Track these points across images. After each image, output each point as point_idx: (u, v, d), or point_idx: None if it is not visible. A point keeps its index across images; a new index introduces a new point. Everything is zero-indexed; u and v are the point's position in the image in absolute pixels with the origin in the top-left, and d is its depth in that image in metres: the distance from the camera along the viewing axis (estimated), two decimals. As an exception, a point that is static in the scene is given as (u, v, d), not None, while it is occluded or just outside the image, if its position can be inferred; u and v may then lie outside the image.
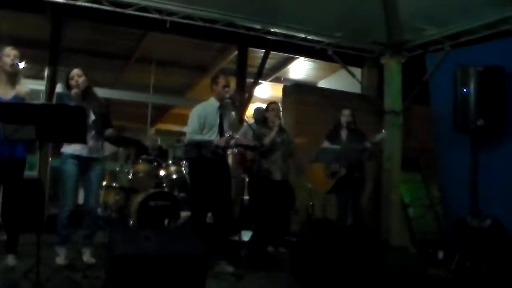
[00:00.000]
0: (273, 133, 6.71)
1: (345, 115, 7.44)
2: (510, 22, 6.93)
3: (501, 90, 6.58)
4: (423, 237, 8.95)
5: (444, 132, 7.54)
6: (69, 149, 5.39)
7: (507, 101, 6.61)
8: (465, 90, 6.63)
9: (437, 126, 7.96)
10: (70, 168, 5.42)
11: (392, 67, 8.73)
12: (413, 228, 9.51)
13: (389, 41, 8.50)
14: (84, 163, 5.45)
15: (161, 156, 8.39)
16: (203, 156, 5.86)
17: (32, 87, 5.69)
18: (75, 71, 5.46)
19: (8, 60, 5.14)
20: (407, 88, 8.66)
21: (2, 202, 5.41)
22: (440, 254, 7.24)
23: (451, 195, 7.63)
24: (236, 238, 6.82)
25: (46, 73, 9.08)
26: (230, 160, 7.93)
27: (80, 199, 5.91)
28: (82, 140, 4.66)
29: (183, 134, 10.66)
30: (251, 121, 7.52)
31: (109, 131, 5.55)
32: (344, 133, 7.43)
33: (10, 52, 5.17)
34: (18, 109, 4.42)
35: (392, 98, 8.71)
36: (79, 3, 7.24)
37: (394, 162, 8.64)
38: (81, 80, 5.43)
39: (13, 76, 5.20)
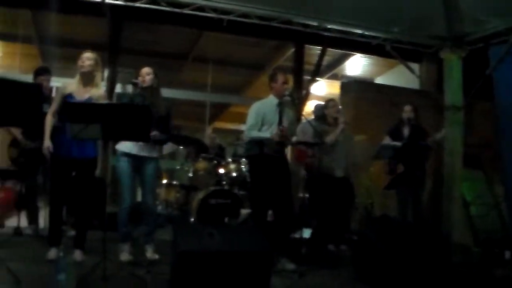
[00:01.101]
0: (338, 131, 6.67)
1: (407, 111, 7.33)
2: None
3: None
4: (487, 236, 8.73)
5: (508, 128, 7.34)
6: (122, 146, 5.48)
7: None
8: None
9: (501, 122, 7.76)
10: (123, 165, 5.50)
11: (453, 61, 8.51)
12: (476, 226, 9.29)
13: (449, 34, 8.28)
14: (136, 161, 5.51)
15: (220, 154, 8.45)
16: (264, 154, 5.85)
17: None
18: (145, 69, 5.55)
19: (79, 63, 5.28)
20: (468, 83, 8.44)
21: (71, 200, 5.53)
22: (507, 254, 7.05)
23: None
24: (297, 235, 6.80)
25: (105, 74, 9.24)
26: (288, 156, 7.94)
27: (139, 197, 6.00)
28: (146, 139, 4.71)
29: (241, 132, 10.72)
30: (310, 118, 7.48)
31: (155, 134, 5.55)
32: (406, 130, 7.32)
33: (83, 56, 5.32)
34: (84, 109, 4.51)
35: (453, 94, 8.49)
36: (137, 4, 7.35)
37: (455, 159, 8.43)
38: (148, 78, 5.51)
39: (87, 78, 5.32)
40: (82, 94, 5.28)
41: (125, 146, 5.45)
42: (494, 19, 7.63)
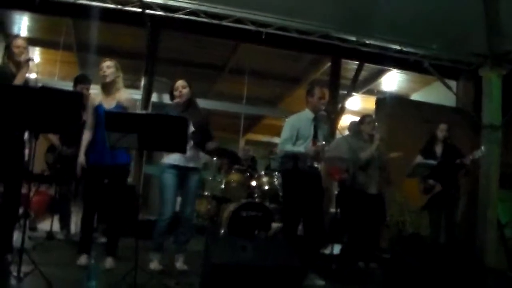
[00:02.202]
0: (373, 148, 6.63)
1: (442, 130, 7.25)
2: None
3: None
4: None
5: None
6: (169, 159, 5.50)
7: None
8: None
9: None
10: (169, 178, 5.51)
11: (492, 79, 8.40)
12: (510, 249, 9.11)
13: (489, 52, 8.19)
14: (182, 173, 5.53)
15: (252, 167, 8.46)
16: (298, 168, 5.83)
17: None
18: (180, 82, 5.59)
19: (100, 73, 5.39)
20: (507, 102, 8.31)
21: (103, 207, 5.59)
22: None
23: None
24: (327, 251, 6.75)
25: (142, 82, 9.33)
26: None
27: (177, 207, 6.02)
28: (182, 150, 4.73)
29: (273, 145, 10.69)
30: (344, 133, 7.45)
31: (211, 144, 5.59)
32: (439, 148, 7.24)
33: (102, 65, 5.43)
34: (122, 118, 4.55)
35: (491, 112, 8.38)
36: (177, 15, 7.43)
37: (491, 179, 8.32)
38: (185, 91, 5.55)
39: (111, 86, 5.42)
40: (109, 102, 5.38)
41: (172, 158, 5.48)
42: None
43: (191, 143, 5.41)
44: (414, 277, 5.10)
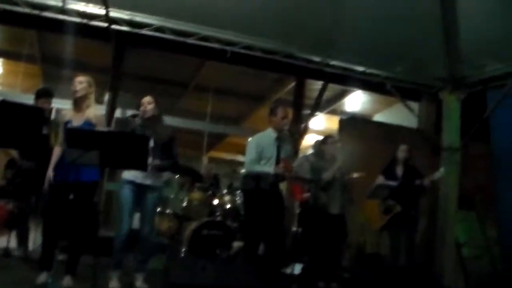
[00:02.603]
0: (335, 168, 6.68)
1: (402, 151, 7.35)
2: None
3: None
4: (478, 280, 8.69)
5: (504, 171, 7.38)
6: (127, 175, 5.47)
7: None
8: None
9: (497, 165, 7.79)
10: (127, 193, 5.48)
11: (451, 103, 8.58)
12: (468, 269, 9.25)
13: (449, 76, 8.37)
14: (140, 189, 5.51)
15: (215, 185, 8.43)
16: (260, 188, 5.86)
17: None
18: (146, 98, 5.59)
19: (72, 88, 5.33)
20: (466, 125, 8.48)
21: (66, 223, 5.49)
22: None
23: (510, 237, 7.41)
24: (288, 271, 6.75)
25: (106, 97, 9.26)
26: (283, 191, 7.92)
27: (136, 224, 5.96)
28: (143, 168, 4.70)
29: (236, 163, 10.70)
30: (307, 153, 7.50)
31: (158, 162, 5.54)
32: (400, 169, 7.33)
33: (75, 80, 5.35)
34: (84, 135, 4.50)
35: (450, 135, 8.54)
36: (143, 31, 7.41)
37: (450, 200, 8.46)
38: (150, 107, 5.54)
39: (81, 101, 5.34)
40: (78, 118, 5.30)
41: (130, 174, 5.45)
42: (493, 63, 7.72)
43: (149, 160, 5.38)
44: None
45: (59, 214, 5.26)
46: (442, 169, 7.37)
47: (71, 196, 5.27)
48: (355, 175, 7.20)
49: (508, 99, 7.50)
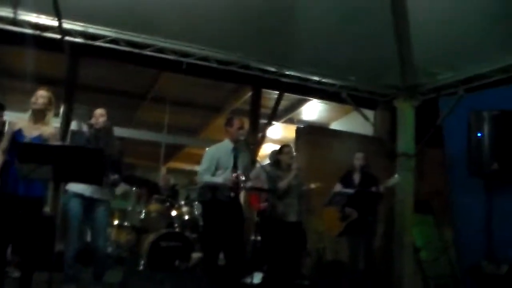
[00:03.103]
0: (290, 177, 6.73)
1: (358, 159, 7.45)
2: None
3: (515, 135, 6.60)
4: (436, 282, 8.84)
5: (458, 176, 7.53)
6: (74, 187, 5.42)
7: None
8: (479, 134, 6.65)
9: (451, 170, 7.95)
10: (74, 206, 5.46)
11: (406, 110, 8.71)
12: (426, 272, 9.40)
13: (403, 84, 8.51)
14: (87, 203, 5.46)
15: (173, 196, 8.39)
16: (217, 199, 5.87)
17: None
18: (98, 111, 5.58)
19: (32, 99, 5.22)
20: (421, 131, 8.63)
21: (17, 240, 5.38)
22: (454, 301, 7.14)
23: (466, 239, 7.57)
24: (248, 280, 6.76)
25: (61, 110, 9.14)
26: (242, 201, 7.94)
27: (89, 237, 5.91)
28: (98, 182, 4.66)
29: (194, 174, 10.65)
30: (264, 162, 7.54)
31: (113, 178, 5.51)
32: (357, 177, 7.43)
33: (37, 93, 5.26)
34: (36, 149, 4.44)
35: (405, 141, 8.67)
36: (97, 43, 7.35)
37: (406, 205, 8.56)
38: (102, 120, 5.51)
39: (38, 115, 5.23)
40: (31, 131, 5.16)
41: (77, 187, 5.40)
42: (445, 71, 7.89)
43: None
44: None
45: (7, 228, 5.10)
46: (396, 176, 7.50)
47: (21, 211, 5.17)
48: (312, 185, 7.27)
49: (460, 106, 7.66)
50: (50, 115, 5.37)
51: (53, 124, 5.48)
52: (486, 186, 6.82)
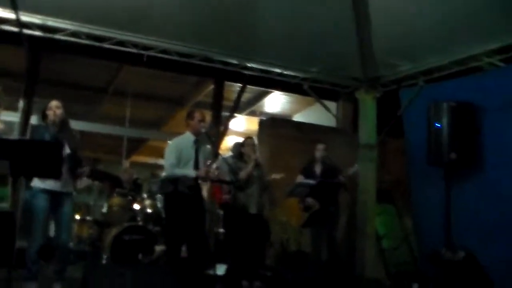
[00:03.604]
0: (249, 168, 6.78)
1: (319, 150, 7.52)
2: (479, 59, 7.06)
3: (472, 125, 6.75)
4: (397, 269, 8.99)
5: (418, 166, 7.64)
6: (40, 183, 5.34)
7: (478, 136, 6.77)
8: (438, 125, 6.76)
9: (411, 160, 8.07)
10: (41, 202, 5.37)
11: (367, 101, 8.82)
12: (388, 260, 9.55)
13: (364, 76, 8.60)
14: (54, 198, 5.39)
15: (135, 190, 8.34)
16: (179, 191, 5.87)
17: (6, 118, 5.65)
18: (54, 103, 5.47)
19: None
20: (382, 122, 8.74)
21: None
22: (415, 287, 7.26)
23: (425, 227, 7.70)
24: (211, 272, 6.78)
25: (20, 104, 9.00)
26: (205, 193, 7.94)
27: (52, 232, 5.84)
28: (56, 176, 4.62)
29: (157, 167, 10.60)
30: (226, 154, 7.56)
31: (83, 170, 5.47)
32: (318, 168, 7.49)
33: None
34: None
35: (367, 132, 8.77)
36: (56, 36, 7.25)
37: (368, 194, 8.67)
38: (59, 112, 5.43)
39: None
40: None
41: (43, 182, 5.31)
42: (405, 63, 7.99)
43: (65, 166, 5.29)
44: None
45: None
46: (356, 165, 7.60)
47: None
48: (275, 175, 7.31)
49: (420, 97, 7.77)
50: None
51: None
52: (445, 176, 6.94)
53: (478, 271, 6.06)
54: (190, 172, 5.95)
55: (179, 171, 5.97)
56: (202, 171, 5.94)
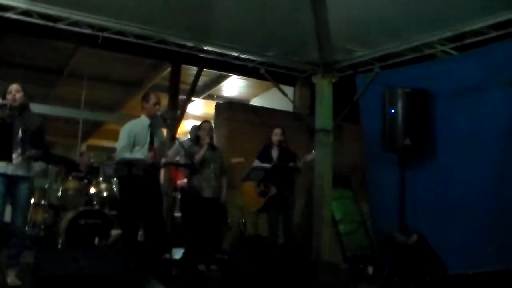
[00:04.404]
0: (202, 151, 6.79)
1: (276, 134, 7.54)
2: (433, 46, 7.18)
3: (426, 111, 6.86)
4: (354, 253, 9.12)
5: (373, 151, 7.74)
6: None
7: (432, 121, 6.90)
8: (392, 110, 6.86)
9: (367, 145, 8.16)
10: None
11: (324, 86, 8.86)
12: (344, 244, 9.68)
13: (320, 61, 8.64)
14: (10, 181, 5.28)
15: (92, 173, 8.24)
16: (133, 174, 5.84)
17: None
18: (14, 86, 5.33)
19: None
20: (339, 107, 8.80)
21: None
22: (370, 270, 7.38)
23: (380, 212, 7.82)
24: (168, 256, 6.78)
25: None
26: (162, 177, 7.92)
27: (7, 217, 5.73)
28: (7, 158, 4.52)
29: (114, 150, 10.51)
30: (184, 138, 7.53)
31: (31, 152, 5.37)
32: (275, 152, 7.51)
33: None
34: None
35: (323, 117, 8.83)
36: (7, 15, 7.05)
37: (325, 179, 8.74)
38: (19, 95, 5.31)
39: None
40: None
41: None
42: (361, 49, 8.06)
43: (19, 150, 5.19)
44: (247, 277, 5.25)
45: None
46: (313, 152, 7.66)
47: None
48: (234, 160, 7.32)
49: (375, 83, 7.86)
50: None
51: None
52: (400, 160, 7.05)
53: (430, 255, 6.20)
54: (138, 156, 5.91)
55: (129, 155, 5.93)
56: (148, 156, 5.89)
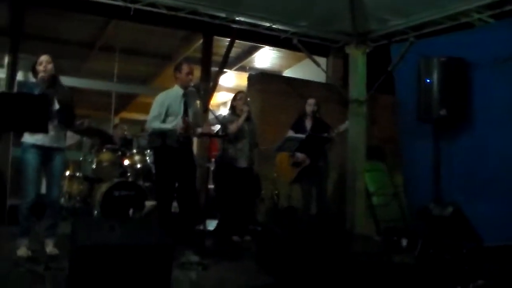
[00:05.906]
0: (241, 120, 6.78)
1: (310, 105, 7.49)
2: (470, 15, 6.99)
3: (463, 81, 6.72)
4: (387, 225, 9.07)
5: (408, 122, 7.63)
6: (30, 138, 5.25)
7: (469, 92, 6.74)
8: (428, 80, 6.73)
9: (401, 116, 8.06)
10: (31, 158, 5.28)
11: (357, 56, 8.73)
12: (378, 216, 9.64)
13: (354, 31, 8.50)
14: (45, 153, 5.33)
15: (126, 145, 8.30)
16: (167, 145, 5.85)
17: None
18: (44, 57, 5.34)
19: None
20: (372, 78, 8.68)
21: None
22: (404, 242, 7.33)
23: (414, 184, 7.73)
24: (201, 227, 6.81)
25: (6, 60, 8.87)
26: (195, 148, 7.93)
27: (43, 189, 5.80)
28: (43, 130, 4.54)
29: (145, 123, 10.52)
30: (217, 110, 7.52)
31: (83, 124, 5.42)
32: (308, 123, 7.47)
33: None
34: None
35: (357, 88, 8.72)
36: (39, -11, 7.08)
37: (358, 151, 8.67)
38: (50, 67, 5.32)
39: None
40: None
41: (35, 138, 5.23)
42: (396, 18, 7.89)
43: (55, 121, 5.23)
44: (283, 248, 5.24)
45: None
46: (347, 122, 7.59)
47: None
48: (262, 148, 7.27)
49: (410, 53, 7.72)
50: None
51: None
52: (435, 132, 6.94)
53: (466, 227, 6.11)
54: (169, 126, 5.91)
55: (158, 125, 5.94)
56: (178, 125, 5.88)
